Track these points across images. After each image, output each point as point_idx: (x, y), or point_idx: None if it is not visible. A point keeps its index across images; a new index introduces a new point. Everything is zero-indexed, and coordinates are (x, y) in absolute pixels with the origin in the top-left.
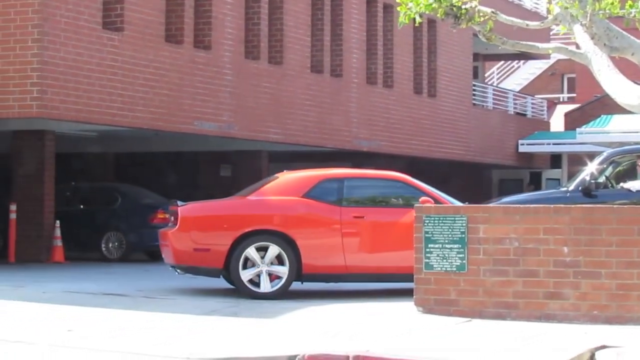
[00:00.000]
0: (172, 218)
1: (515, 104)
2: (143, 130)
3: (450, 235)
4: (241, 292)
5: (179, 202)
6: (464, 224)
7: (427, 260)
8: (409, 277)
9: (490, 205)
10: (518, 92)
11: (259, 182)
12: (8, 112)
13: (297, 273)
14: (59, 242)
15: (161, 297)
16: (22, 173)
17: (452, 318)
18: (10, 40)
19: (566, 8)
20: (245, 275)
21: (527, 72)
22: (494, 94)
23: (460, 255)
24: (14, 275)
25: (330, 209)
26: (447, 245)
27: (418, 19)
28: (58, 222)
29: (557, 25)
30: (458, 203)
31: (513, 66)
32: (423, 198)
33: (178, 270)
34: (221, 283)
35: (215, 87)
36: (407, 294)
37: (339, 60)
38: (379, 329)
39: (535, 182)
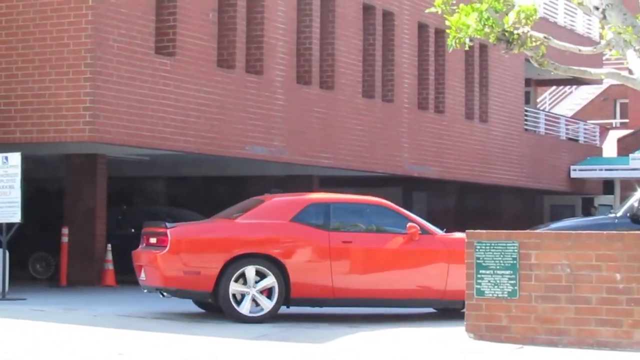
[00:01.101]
0: (155, 240)
1: (567, 129)
2: (194, 154)
3: (501, 261)
4: (228, 315)
5: (168, 224)
6: (515, 250)
7: (478, 286)
8: (396, 303)
9: (542, 231)
10: (570, 117)
11: (241, 204)
12: (61, 135)
13: (285, 297)
14: (110, 266)
15: (212, 321)
16: (74, 196)
17: (503, 344)
18: (63, 64)
19: (619, 33)
20: (237, 299)
21: (579, 97)
22: (546, 119)
23: (512, 282)
24: (66, 298)
25: (319, 234)
26: (498, 271)
27: (468, 43)
28: (109, 245)
29: (610, 50)
30: (439, 230)
31: (565, 91)
32: (410, 224)
33: (164, 294)
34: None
35: (266, 111)
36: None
37: (390, 85)
38: (436, 357)
39: (589, 208)
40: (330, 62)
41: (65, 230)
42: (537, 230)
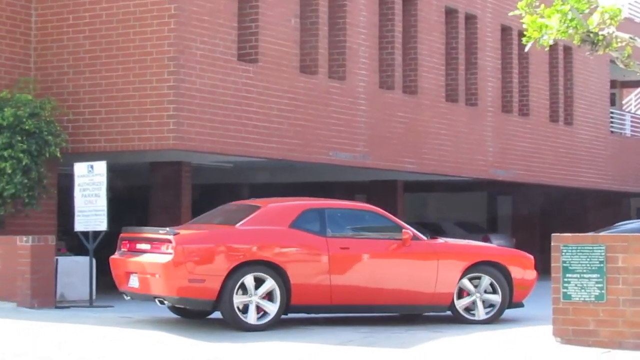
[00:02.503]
0: (150, 246)
1: None
2: (278, 161)
3: (588, 265)
4: (231, 324)
5: (169, 230)
6: (602, 254)
7: (564, 290)
8: (392, 308)
9: (630, 234)
10: None
11: (225, 209)
12: (145, 144)
13: (286, 304)
14: None
15: (297, 326)
16: (159, 204)
17: (591, 349)
18: (147, 73)
19: None
20: (238, 306)
21: None
22: (632, 121)
23: (599, 285)
24: (153, 305)
25: (318, 240)
26: (585, 275)
27: (549, 42)
28: None
29: None
30: (424, 236)
31: None
32: (404, 230)
33: (166, 302)
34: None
35: (349, 117)
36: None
37: (473, 89)
38: None
39: None
40: (413, 66)
41: None
42: (603, 233)
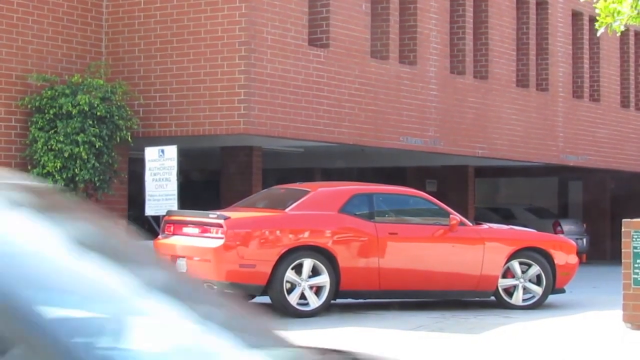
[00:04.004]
0: (198, 230)
1: None
2: (349, 145)
3: None
4: (280, 309)
5: (219, 213)
6: None
7: (635, 276)
8: (439, 294)
9: None
10: None
11: (269, 193)
12: (216, 128)
13: (335, 290)
14: None
15: (365, 312)
16: (229, 189)
17: None
18: (217, 57)
19: None
20: (290, 292)
21: None
22: None
23: None
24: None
25: (367, 225)
26: None
27: (620, 29)
28: None
29: None
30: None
31: None
32: (452, 216)
33: (215, 287)
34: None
35: (420, 102)
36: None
37: (544, 74)
38: (596, 348)
39: None
40: (484, 51)
41: None
42: None
